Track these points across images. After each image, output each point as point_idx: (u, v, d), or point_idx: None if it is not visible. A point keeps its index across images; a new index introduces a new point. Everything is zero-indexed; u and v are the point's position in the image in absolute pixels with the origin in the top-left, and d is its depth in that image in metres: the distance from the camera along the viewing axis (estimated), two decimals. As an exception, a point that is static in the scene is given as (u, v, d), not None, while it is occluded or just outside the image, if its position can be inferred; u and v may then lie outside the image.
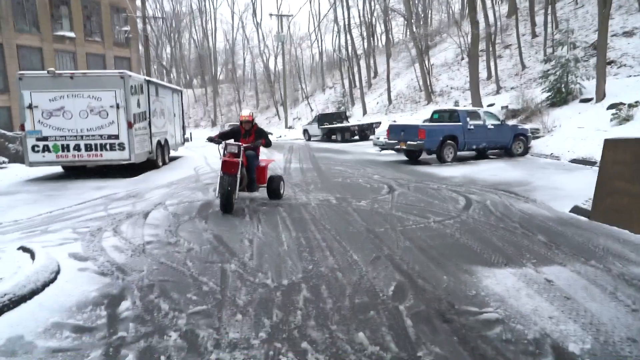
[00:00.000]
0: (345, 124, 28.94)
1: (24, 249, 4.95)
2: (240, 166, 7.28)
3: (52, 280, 4.27)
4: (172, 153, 17.55)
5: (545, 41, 25.82)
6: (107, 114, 12.11)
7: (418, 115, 27.78)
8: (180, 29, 63.56)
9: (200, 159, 17.20)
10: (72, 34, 29.48)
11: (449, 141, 14.22)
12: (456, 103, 27.18)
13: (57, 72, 12.10)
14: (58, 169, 13.73)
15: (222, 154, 7.52)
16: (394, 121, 23.25)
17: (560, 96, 18.99)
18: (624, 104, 14.79)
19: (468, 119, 14.54)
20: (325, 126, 28.76)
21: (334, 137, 28.08)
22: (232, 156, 7.33)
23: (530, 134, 15.68)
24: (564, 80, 18.83)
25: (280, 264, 4.80)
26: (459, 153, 14.58)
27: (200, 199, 8.65)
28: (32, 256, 4.67)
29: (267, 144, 7.94)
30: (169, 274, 4.53)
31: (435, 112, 16.29)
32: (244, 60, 65.85)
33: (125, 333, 3.29)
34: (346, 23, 44.43)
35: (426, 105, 31.73)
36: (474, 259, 4.89)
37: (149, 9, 48.64)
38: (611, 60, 20.36)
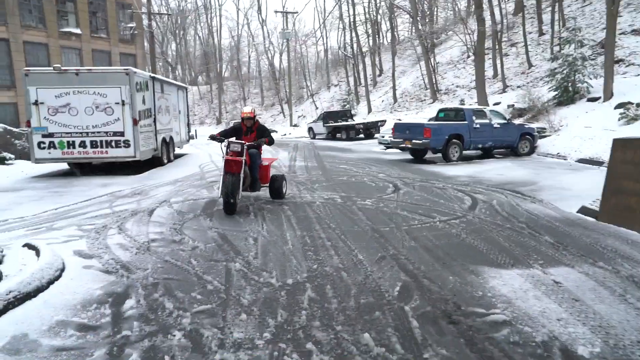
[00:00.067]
0: (350, 122, 28.86)
1: (29, 246, 4.95)
2: (243, 165, 7.14)
3: (57, 278, 4.27)
4: (177, 150, 17.57)
5: (552, 39, 25.64)
6: (113, 111, 12.12)
7: (423, 114, 27.72)
8: (185, 26, 63.64)
9: (205, 156, 17.22)
10: (78, 31, 29.57)
11: (454, 140, 14.14)
12: (462, 101, 27.05)
13: (62, 68, 12.13)
14: (64, 166, 13.77)
15: (224, 152, 7.35)
16: (399, 119, 23.18)
17: (567, 95, 18.85)
18: (632, 103, 14.67)
19: (474, 118, 14.46)
20: (330, 124, 28.70)
21: (338, 135, 28.03)
22: (235, 155, 7.14)
23: (536, 133, 15.58)
24: (571, 79, 18.69)
25: (285, 263, 4.78)
26: (464, 152, 14.50)
27: (205, 197, 8.65)
28: (37, 253, 4.67)
29: (270, 142, 7.73)
30: (173, 272, 4.51)
31: (440, 110, 16.22)
32: (249, 57, 65.86)
33: (129, 332, 3.28)
34: (351, 20, 44.24)
35: (431, 103, 31.60)
36: (480, 259, 4.84)
37: (154, 5, 48.71)
38: (619, 59, 20.17)
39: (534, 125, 16.53)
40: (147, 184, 10.53)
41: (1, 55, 26.03)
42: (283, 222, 6.58)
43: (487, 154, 15.53)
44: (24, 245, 5.00)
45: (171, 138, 15.87)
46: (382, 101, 39.03)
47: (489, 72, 27.94)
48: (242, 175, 7.10)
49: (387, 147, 18.74)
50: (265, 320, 3.45)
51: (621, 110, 14.64)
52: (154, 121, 13.79)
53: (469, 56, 33.09)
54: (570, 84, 18.77)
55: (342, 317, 3.51)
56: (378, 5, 44.62)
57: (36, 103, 11.85)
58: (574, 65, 18.45)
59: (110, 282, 4.24)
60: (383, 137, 19.99)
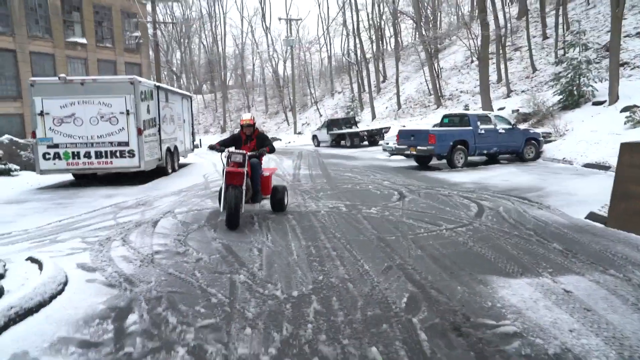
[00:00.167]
0: (354, 129, 28.82)
1: (32, 259, 4.92)
2: (245, 177, 6.80)
3: (60, 292, 4.22)
4: (182, 159, 17.56)
5: (556, 43, 25.54)
6: (117, 121, 12.13)
7: (428, 120, 27.64)
8: (190, 34, 63.96)
9: (210, 165, 17.21)
10: (84, 40, 29.79)
11: (459, 146, 14.06)
12: (466, 107, 26.96)
13: (68, 78, 12.17)
14: (69, 177, 13.79)
15: (225, 163, 6.98)
16: (404, 126, 23.12)
17: (572, 99, 18.75)
18: (638, 107, 14.55)
19: (479, 123, 14.38)
20: (334, 132, 28.65)
21: (343, 142, 27.98)
22: (237, 165, 6.78)
23: (542, 138, 15.47)
24: (575, 83, 18.60)
25: (290, 274, 4.72)
26: (469, 158, 14.42)
27: (210, 207, 8.61)
28: (40, 267, 4.63)
29: (272, 150, 7.46)
30: (177, 285, 4.46)
31: (445, 116, 16.15)
32: (253, 65, 66.08)
33: (132, 349, 3.22)
34: (355, 26, 44.33)
35: (436, 109, 31.52)
36: (488, 268, 4.76)
37: (159, 14, 49.08)
38: (624, 62, 20.05)
39: (539, 130, 16.43)
40: (151, 195, 10.51)
41: (8, 66, 26.23)
42: (288, 231, 6.52)
43: (492, 159, 15.43)
44: (27, 259, 4.97)
45: (176, 147, 15.88)
46: (386, 107, 39.00)
47: (493, 77, 27.87)
48: (244, 187, 6.78)
49: (392, 154, 18.68)
50: (270, 335, 3.38)
51: (627, 113, 14.52)
52: (159, 131, 13.79)
53: (472, 61, 33.05)
54: (575, 88, 18.67)
55: (348, 330, 3.44)
56: (382, 11, 44.76)
57: (41, 113, 11.88)
58: (578, 68, 18.36)
59: (113, 296, 4.19)
60: (387, 143, 19.93)
